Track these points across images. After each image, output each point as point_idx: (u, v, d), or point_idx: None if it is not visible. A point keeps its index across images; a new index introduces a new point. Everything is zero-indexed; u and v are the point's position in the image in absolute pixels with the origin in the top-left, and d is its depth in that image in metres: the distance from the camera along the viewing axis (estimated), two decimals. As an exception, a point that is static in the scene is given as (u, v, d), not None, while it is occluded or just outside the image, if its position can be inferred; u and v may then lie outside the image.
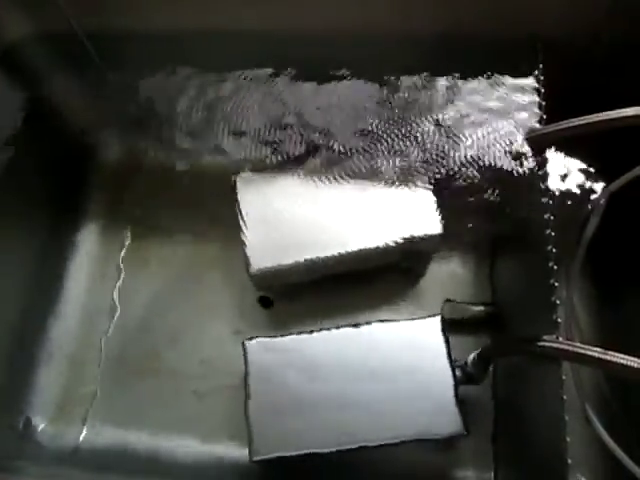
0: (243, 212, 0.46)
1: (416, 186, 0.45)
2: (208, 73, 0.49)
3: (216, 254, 0.52)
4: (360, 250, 0.44)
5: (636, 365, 0.29)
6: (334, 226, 0.45)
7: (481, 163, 0.43)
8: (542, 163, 0.40)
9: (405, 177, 0.45)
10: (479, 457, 0.45)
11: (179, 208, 0.54)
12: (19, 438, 0.48)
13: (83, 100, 0.56)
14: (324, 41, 0.47)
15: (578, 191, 0.49)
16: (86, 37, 0.49)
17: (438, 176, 0.45)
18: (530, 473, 0.40)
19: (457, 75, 0.45)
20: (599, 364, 0.31)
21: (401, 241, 0.44)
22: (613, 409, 0.44)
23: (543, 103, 0.41)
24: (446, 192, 0.45)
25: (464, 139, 0.44)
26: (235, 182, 0.47)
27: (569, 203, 0.49)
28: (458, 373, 0.40)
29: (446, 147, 0.44)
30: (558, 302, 0.35)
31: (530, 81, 0.43)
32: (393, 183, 0.46)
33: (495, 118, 0.43)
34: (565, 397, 0.34)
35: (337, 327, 0.42)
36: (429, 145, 0.45)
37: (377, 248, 0.45)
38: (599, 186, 0.49)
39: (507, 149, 0.43)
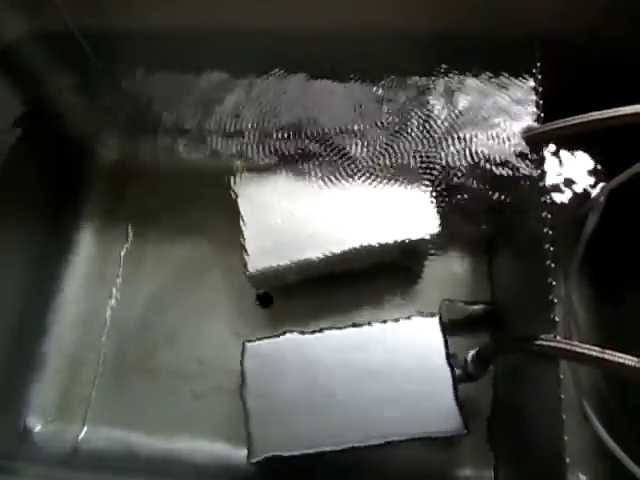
0: (241, 212, 0.46)
1: (413, 185, 0.45)
2: (206, 72, 0.49)
3: (215, 254, 0.52)
4: (358, 249, 0.45)
5: (633, 364, 0.29)
6: (332, 226, 0.45)
7: (478, 162, 0.43)
8: (540, 162, 0.40)
9: (402, 176, 0.45)
10: (478, 456, 0.45)
11: (177, 208, 0.54)
12: (17, 439, 0.48)
13: (80, 100, 0.56)
14: (323, 40, 0.47)
15: (577, 189, 0.49)
16: (83, 37, 0.49)
17: (435, 175, 0.45)
18: (529, 472, 0.40)
19: (454, 74, 0.45)
20: (597, 363, 0.31)
21: (399, 240, 0.44)
22: (611, 407, 0.44)
23: (540, 102, 0.41)
24: (443, 191, 0.45)
25: (461, 138, 0.44)
26: (234, 182, 0.47)
27: (568, 201, 0.49)
28: (457, 372, 0.40)
29: (443, 146, 0.44)
30: (556, 301, 0.35)
31: (527, 80, 0.43)
32: (390, 182, 0.46)
33: (492, 117, 0.43)
34: (563, 396, 0.34)
35: (335, 327, 0.42)
36: (426, 144, 0.45)
37: (375, 247, 0.45)
38: (598, 184, 0.49)
39: (505, 147, 0.42)
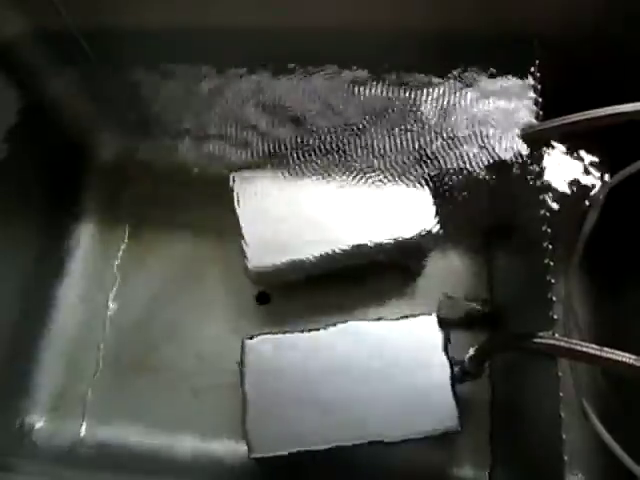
0: (240, 210, 0.46)
1: (412, 183, 0.45)
2: (205, 70, 0.49)
3: (214, 252, 0.52)
4: (357, 247, 0.45)
5: (631, 361, 0.29)
6: (331, 223, 0.45)
7: (477, 160, 0.43)
8: (538, 159, 0.40)
9: (402, 174, 0.45)
10: (476, 454, 0.45)
11: (176, 207, 0.54)
12: (16, 436, 0.48)
13: (78, 99, 0.56)
14: (321, 38, 0.47)
15: (576, 187, 0.49)
16: (81, 35, 0.49)
17: (434, 173, 0.45)
18: (527, 470, 0.40)
19: (453, 72, 0.45)
20: (595, 361, 0.31)
21: (398, 238, 0.44)
22: (610, 405, 0.44)
23: (539, 99, 0.41)
24: (442, 189, 0.45)
25: (460, 135, 0.44)
26: (232, 180, 0.47)
27: (567, 199, 0.49)
28: (455, 370, 0.40)
29: (442, 143, 0.44)
30: (555, 299, 0.35)
31: (526, 77, 0.43)
32: (390, 180, 0.46)
33: (491, 114, 0.43)
34: (562, 394, 0.34)
35: (334, 324, 0.42)
36: (425, 142, 0.45)
37: (374, 245, 0.45)
38: (598, 181, 0.48)
39: (504, 145, 0.42)
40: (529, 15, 0.43)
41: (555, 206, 0.42)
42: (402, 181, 0.46)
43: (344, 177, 0.46)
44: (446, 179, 0.45)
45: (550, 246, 0.37)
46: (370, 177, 0.46)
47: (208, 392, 0.48)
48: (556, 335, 0.34)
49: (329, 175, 0.46)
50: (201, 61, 0.49)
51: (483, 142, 0.43)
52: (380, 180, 0.46)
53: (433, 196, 0.45)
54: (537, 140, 0.41)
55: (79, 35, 0.49)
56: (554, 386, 0.34)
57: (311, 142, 0.47)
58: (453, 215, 0.45)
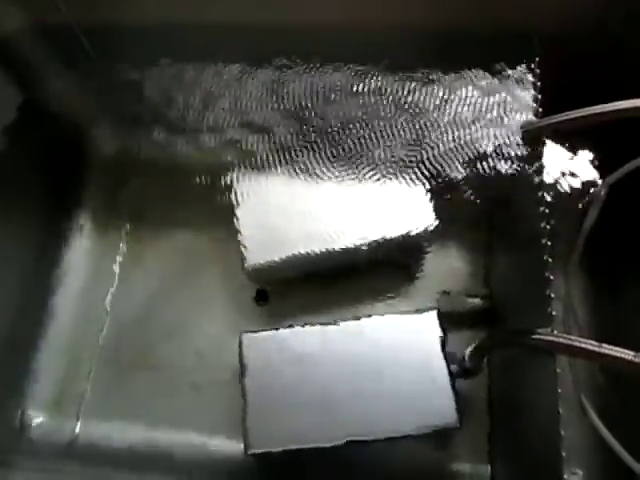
0: (239, 207, 0.46)
1: (410, 180, 0.45)
2: (204, 67, 0.49)
3: (212, 249, 0.52)
4: (355, 245, 0.45)
5: (630, 358, 0.29)
6: (329, 221, 0.45)
7: (476, 156, 0.43)
8: (538, 156, 0.40)
9: (400, 171, 0.45)
10: (475, 451, 0.45)
11: (175, 204, 0.54)
12: (15, 433, 0.48)
13: (78, 94, 0.56)
14: (320, 35, 0.47)
15: (575, 184, 0.49)
16: (80, 30, 0.49)
17: (433, 170, 0.45)
18: (525, 467, 0.40)
19: (452, 69, 0.45)
20: (593, 357, 0.31)
21: (396, 235, 0.44)
22: (609, 401, 0.44)
23: (539, 96, 0.41)
24: (441, 186, 0.45)
25: (459, 132, 0.44)
26: (231, 177, 0.47)
27: (567, 195, 0.48)
28: (454, 367, 0.40)
29: (440, 140, 0.44)
30: (553, 295, 0.35)
31: (526, 74, 0.43)
32: (387, 177, 0.46)
33: (490, 111, 0.43)
34: (560, 390, 0.34)
35: (333, 321, 0.42)
36: (423, 138, 0.45)
37: (372, 242, 0.45)
38: (597, 178, 0.48)
39: (503, 142, 0.42)
40: (529, 11, 0.43)
41: (554, 203, 0.42)
42: (400, 178, 0.46)
43: (343, 174, 0.46)
44: (445, 176, 0.45)
45: (549, 243, 0.37)
46: (368, 174, 0.46)
47: (207, 389, 0.48)
48: (555, 332, 0.34)
49: (328, 172, 0.46)
50: (200, 57, 0.49)
51: (482, 139, 0.43)
52: (378, 177, 0.46)
53: (431, 193, 0.45)
54: (536, 137, 0.41)
55: (79, 31, 0.49)
56: (552, 382, 0.34)
57: (310, 139, 0.47)
58: (452, 212, 0.45)
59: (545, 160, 0.40)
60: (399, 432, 0.39)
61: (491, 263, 0.50)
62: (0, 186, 0.48)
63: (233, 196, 0.46)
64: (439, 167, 0.44)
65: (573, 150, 0.50)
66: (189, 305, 0.51)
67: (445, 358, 0.40)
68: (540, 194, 0.38)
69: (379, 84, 0.46)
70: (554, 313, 0.35)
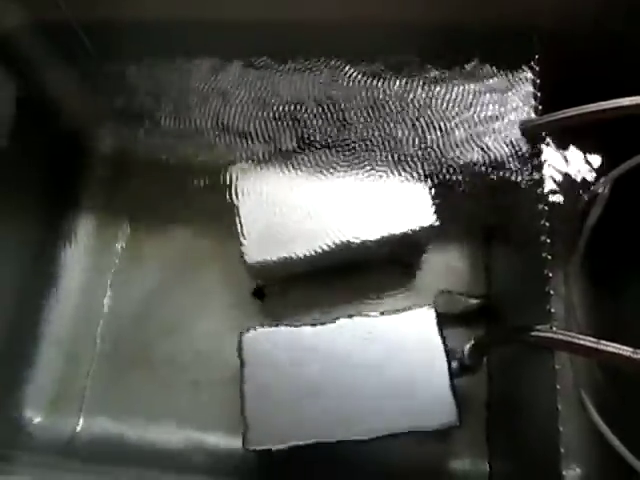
0: (239, 204, 0.46)
1: (410, 177, 0.45)
2: (204, 63, 0.49)
3: (212, 246, 0.52)
4: (355, 242, 0.45)
5: (628, 354, 0.29)
6: (329, 218, 0.45)
7: (475, 154, 0.43)
8: (537, 154, 0.40)
9: (399, 168, 0.45)
10: (474, 448, 0.45)
11: (175, 201, 0.54)
12: (14, 429, 0.48)
13: (77, 92, 0.56)
14: (320, 31, 0.47)
15: (575, 181, 0.49)
16: (81, 28, 0.49)
17: (433, 167, 0.45)
18: (524, 463, 0.40)
19: (452, 66, 0.45)
20: (592, 353, 0.31)
21: (396, 233, 0.44)
22: (607, 397, 0.44)
23: (539, 94, 0.41)
24: (441, 183, 0.45)
25: (458, 130, 0.44)
26: (232, 174, 0.47)
27: (566, 193, 0.49)
28: (453, 364, 0.40)
29: (440, 138, 0.44)
30: (552, 292, 0.36)
31: (525, 72, 0.43)
32: (387, 175, 0.46)
33: (490, 108, 0.43)
34: (559, 387, 0.34)
35: (332, 319, 0.42)
36: (423, 136, 0.45)
37: (372, 240, 0.45)
38: (597, 175, 0.48)
39: (503, 139, 0.42)
40: (529, 9, 0.43)
41: (554, 200, 0.42)
42: (401, 176, 0.46)
43: (343, 172, 0.46)
44: (444, 173, 0.45)
45: (548, 240, 0.37)
46: (368, 173, 0.46)
47: (206, 386, 0.48)
48: (554, 328, 0.34)
49: (328, 170, 0.46)
50: (200, 54, 0.49)
51: (482, 136, 0.43)
52: (378, 176, 0.46)
53: (431, 191, 0.45)
54: (536, 134, 0.41)
55: (78, 28, 0.49)
56: (551, 379, 0.34)
57: (310, 136, 0.47)
58: (451, 210, 0.45)
59: (544, 157, 0.40)
60: (398, 429, 0.39)
61: (490, 261, 0.50)
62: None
63: (233, 193, 0.46)
64: (438, 165, 0.44)
65: (572, 147, 0.50)
66: (188, 302, 0.51)
67: (444, 355, 0.40)
68: (539, 191, 0.38)
69: (379, 82, 0.46)
70: (553, 310, 0.35)
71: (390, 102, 0.46)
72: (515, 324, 0.42)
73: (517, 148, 0.42)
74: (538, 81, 0.42)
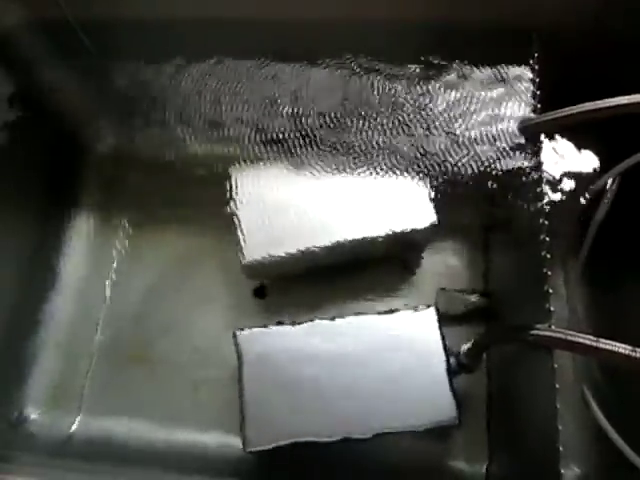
0: (237, 203, 0.46)
1: (409, 177, 0.45)
2: (203, 62, 0.49)
3: (211, 245, 0.52)
4: (354, 241, 0.45)
5: (627, 352, 0.29)
6: (328, 217, 0.45)
7: (474, 153, 0.43)
8: (536, 152, 0.40)
9: (399, 168, 0.45)
10: (472, 447, 0.45)
11: (173, 199, 0.54)
12: (12, 428, 0.48)
13: (76, 90, 0.56)
14: (320, 29, 0.47)
15: (574, 179, 0.49)
16: (80, 26, 0.49)
17: (431, 167, 0.45)
18: (523, 462, 0.40)
19: (451, 64, 0.45)
20: (591, 352, 0.31)
21: (395, 232, 0.44)
22: (607, 395, 0.43)
23: (537, 92, 0.41)
24: (440, 182, 0.45)
25: (457, 129, 0.44)
26: (230, 174, 0.47)
27: (565, 191, 0.49)
28: (452, 362, 0.40)
29: (439, 137, 0.44)
30: (551, 291, 0.36)
31: (524, 70, 0.43)
32: (387, 174, 0.46)
33: (489, 107, 0.43)
34: (558, 386, 0.34)
35: (331, 318, 0.42)
36: (422, 135, 0.45)
37: (371, 239, 0.45)
38: (596, 174, 0.48)
39: (502, 138, 0.42)
40: (528, 8, 0.43)
41: (553, 198, 0.42)
42: (400, 175, 0.46)
43: (342, 171, 0.46)
44: (444, 172, 0.45)
45: (547, 239, 0.37)
46: (368, 171, 0.46)
47: (205, 385, 0.48)
48: (552, 327, 0.34)
49: (327, 169, 0.46)
50: (200, 53, 0.49)
51: (481, 135, 0.43)
52: (377, 174, 0.46)
53: (431, 190, 0.45)
54: (535, 133, 0.41)
55: (78, 26, 0.49)
56: (550, 378, 0.34)
57: (310, 135, 0.47)
58: (451, 209, 0.45)
59: (543, 156, 0.40)
60: (397, 428, 0.39)
61: (490, 259, 0.50)
62: (-1, 181, 0.48)
63: (231, 192, 0.46)
64: (438, 164, 0.44)
65: (572, 146, 0.50)
66: (187, 301, 0.51)
67: (443, 354, 0.40)
68: (538, 190, 0.38)
69: (379, 80, 0.46)
70: (552, 309, 0.35)
71: (389, 101, 0.46)
72: (514, 323, 0.42)
73: (516, 146, 0.42)
74: (537, 80, 0.42)
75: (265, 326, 0.43)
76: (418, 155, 0.45)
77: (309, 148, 0.47)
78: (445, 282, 0.49)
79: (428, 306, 0.42)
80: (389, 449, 0.44)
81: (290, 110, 0.47)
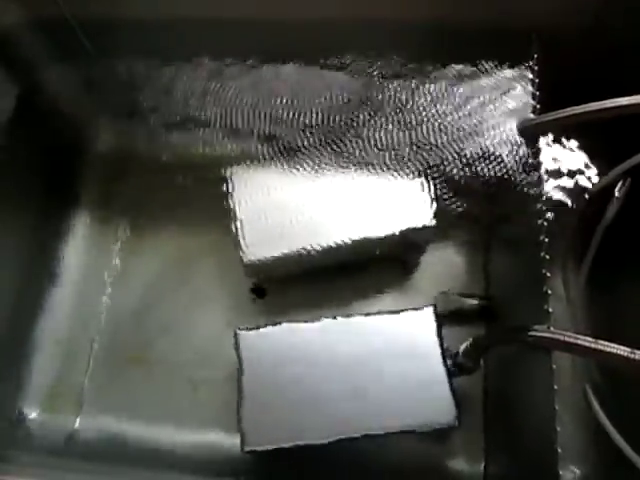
0: (237, 203, 0.46)
1: (409, 177, 0.45)
2: (202, 62, 0.49)
3: (210, 245, 0.52)
4: (353, 241, 0.44)
5: (626, 354, 0.29)
6: (327, 217, 0.45)
7: (474, 153, 0.43)
8: (535, 153, 0.40)
9: (398, 168, 0.45)
10: (470, 448, 0.45)
11: (173, 199, 0.54)
12: (12, 427, 0.48)
13: (75, 89, 0.56)
14: (319, 29, 0.47)
15: (574, 180, 0.49)
16: (78, 25, 0.49)
17: (432, 166, 0.45)
18: (521, 463, 0.40)
19: (451, 64, 0.45)
20: (590, 353, 0.31)
21: (394, 232, 0.44)
22: (607, 396, 0.44)
23: (537, 93, 0.41)
24: (439, 182, 0.45)
25: (457, 129, 0.44)
26: (229, 173, 0.47)
27: (563, 192, 0.49)
28: (451, 364, 0.40)
29: (439, 137, 0.44)
30: (550, 292, 0.35)
31: (524, 71, 0.42)
32: (387, 174, 0.45)
33: (488, 108, 0.43)
34: (556, 387, 0.34)
35: (330, 318, 0.42)
36: (422, 135, 0.45)
37: (370, 239, 0.45)
38: (595, 174, 0.48)
39: (501, 139, 0.42)
40: (528, 8, 0.43)
41: (552, 199, 0.42)
42: (399, 175, 0.46)
43: (341, 170, 0.46)
44: (443, 173, 0.44)
45: (546, 239, 0.37)
46: (367, 171, 0.46)
47: (204, 385, 0.48)
48: (551, 328, 0.34)
49: (326, 168, 0.46)
50: (199, 52, 0.49)
51: (480, 136, 0.43)
52: (377, 174, 0.46)
53: (430, 190, 0.45)
54: (534, 133, 0.41)
55: (76, 25, 0.49)
56: (549, 379, 0.34)
57: (309, 135, 0.47)
58: (450, 209, 0.45)
59: (543, 156, 0.40)
60: (396, 429, 0.39)
61: (489, 260, 0.50)
62: (-1, 181, 0.48)
63: (231, 192, 0.46)
64: (437, 164, 0.44)
65: (571, 147, 0.50)
66: (187, 301, 0.51)
67: (442, 355, 0.40)
68: (537, 191, 0.38)
69: (378, 81, 0.46)
70: (551, 310, 0.35)
71: (388, 101, 0.46)
72: (513, 324, 0.42)
73: (516, 147, 0.42)
74: (537, 80, 0.42)
75: (265, 326, 0.42)
76: (417, 155, 0.45)
77: (309, 148, 0.46)
78: (444, 282, 0.49)
79: (427, 307, 0.42)
80: (388, 450, 0.44)
81: (290, 110, 0.47)
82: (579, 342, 0.31)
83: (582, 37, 0.44)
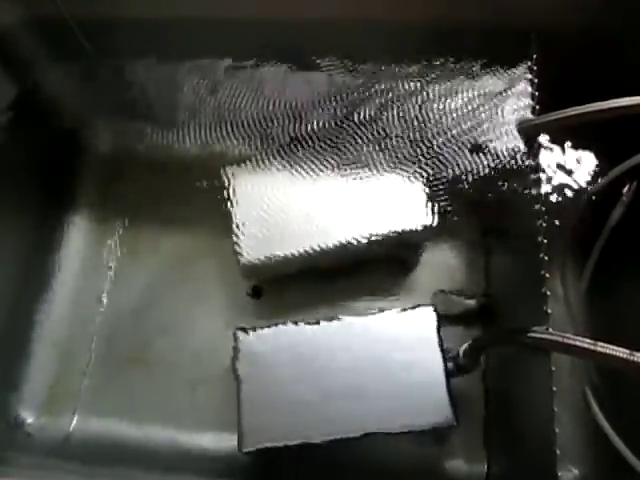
0: (234, 203, 0.46)
1: (407, 177, 0.45)
2: (200, 61, 0.49)
3: (208, 245, 0.52)
4: (351, 241, 0.45)
5: (625, 356, 0.29)
6: (325, 218, 0.45)
7: (473, 153, 0.43)
8: (534, 153, 0.40)
9: (396, 168, 0.45)
10: (470, 449, 0.45)
11: (171, 199, 0.54)
12: (10, 429, 0.48)
13: (73, 88, 0.56)
14: (317, 29, 0.47)
15: (573, 181, 0.49)
16: (77, 25, 0.48)
17: (429, 167, 0.45)
18: (521, 464, 0.40)
19: (450, 64, 0.44)
20: (589, 355, 0.31)
21: (393, 232, 0.44)
22: (605, 397, 0.44)
23: (536, 93, 0.41)
24: (438, 183, 0.45)
25: (455, 129, 0.44)
26: (227, 174, 0.47)
27: (564, 192, 0.48)
28: (450, 364, 0.40)
29: (438, 138, 0.44)
30: (549, 293, 0.35)
31: (523, 71, 0.42)
32: (385, 174, 0.45)
33: (487, 108, 0.43)
34: (555, 388, 0.34)
35: (329, 318, 0.42)
36: (421, 136, 0.45)
37: (369, 239, 0.45)
38: (595, 175, 0.48)
39: (500, 139, 0.42)
40: (527, 8, 0.42)
41: (551, 200, 0.42)
42: (397, 175, 0.46)
43: (339, 170, 0.46)
44: (442, 173, 0.44)
45: (545, 240, 0.37)
46: (366, 171, 0.46)
47: (202, 385, 0.48)
48: (550, 330, 0.34)
49: (324, 169, 0.46)
50: (198, 52, 0.49)
51: (479, 136, 0.43)
52: (375, 174, 0.46)
53: (429, 190, 0.45)
54: (533, 134, 0.41)
55: (74, 24, 0.48)
56: (548, 380, 0.34)
57: (307, 136, 0.47)
58: (449, 209, 0.45)
59: (542, 157, 0.40)
60: (395, 429, 0.39)
61: (488, 261, 0.50)
62: (-5, 181, 0.48)
63: (229, 192, 0.46)
64: (436, 164, 0.44)
65: (570, 147, 0.50)
66: (184, 301, 0.51)
67: (442, 355, 0.40)
68: (536, 191, 0.38)
69: (377, 80, 0.46)
70: (550, 311, 0.35)
71: (388, 102, 0.46)
72: (512, 325, 0.42)
73: (514, 148, 0.42)
74: (536, 80, 0.42)
75: (264, 327, 0.42)
76: (416, 156, 0.45)
77: (307, 148, 0.46)
78: (443, 283, 0.49)
79: (426, 307, 0.42)
80: (387, 450, 0.44)
81: (289, 110, 0.47)
82: (578, 344, 0.31)
83: (582, 36, 0.44)
